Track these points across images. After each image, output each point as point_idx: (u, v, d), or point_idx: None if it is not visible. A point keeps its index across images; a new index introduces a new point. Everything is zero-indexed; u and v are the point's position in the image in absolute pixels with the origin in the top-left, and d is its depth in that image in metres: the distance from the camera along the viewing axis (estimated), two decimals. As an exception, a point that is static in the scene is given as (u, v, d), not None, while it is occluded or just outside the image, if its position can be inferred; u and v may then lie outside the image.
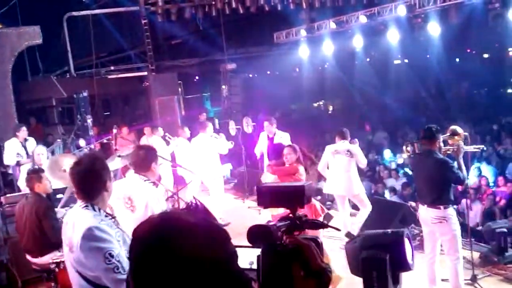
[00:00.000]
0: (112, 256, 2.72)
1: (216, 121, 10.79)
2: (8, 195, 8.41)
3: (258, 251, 1.45)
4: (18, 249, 6.18)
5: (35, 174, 5.91)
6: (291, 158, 6.57)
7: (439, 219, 5.73)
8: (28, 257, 5.70)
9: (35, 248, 5.57)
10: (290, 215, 1.56)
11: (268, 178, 6.88)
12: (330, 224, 1.85)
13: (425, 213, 5.90)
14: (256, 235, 1.39)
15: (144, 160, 4.25)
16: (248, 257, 1.44)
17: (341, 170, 8.24)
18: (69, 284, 5.14)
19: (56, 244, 5.40)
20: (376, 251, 4.43)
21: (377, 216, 7.84)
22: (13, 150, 9.90)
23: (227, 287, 1.21)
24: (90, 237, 2.75)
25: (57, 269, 5.28)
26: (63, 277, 5.21)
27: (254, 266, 1.64)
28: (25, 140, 10.12)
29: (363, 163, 8.46)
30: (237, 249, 1.54)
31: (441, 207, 5.72)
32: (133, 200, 4.08)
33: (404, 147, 6.81)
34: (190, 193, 10.60)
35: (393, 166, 14.07)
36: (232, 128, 12.03)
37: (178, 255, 1.17)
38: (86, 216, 2.88)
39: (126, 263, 2.75)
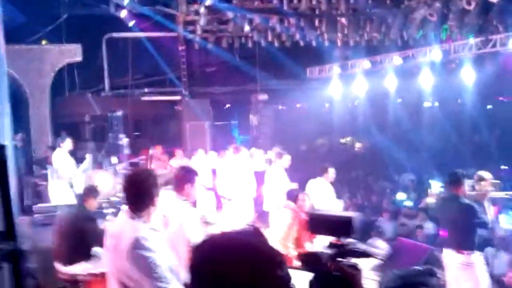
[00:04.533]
0: (157, 266, 2.85)
1: (244, 149, 10.96)
2: (40, 205, 8.64)
3: (309, 274, 1.53)
4: (46, 258, 6.33)
5: (95, 192, 6.17)
6: (305, 205, 6.66)
7: (464, 264, 5.72)
8: (58, 265, 5.84)
9: (67, 256, 5.73)
10: (337, 242, 1.64)
11: (282, 216, 6.83)
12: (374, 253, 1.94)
13: (449, 257, 5.89)
14: (307, 260, 1.48)
15: (178, 180, 4.41)
16: (299, 280, 1.52)
17: None
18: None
19: (86, 255, 5.56)
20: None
21: (401, 257, 7.81)
22: (66, 160, 9.91)
23: None
24: (138, 246, 2.89)
25: (84, 281, 5.42)
26: (89, 290, 5.35)
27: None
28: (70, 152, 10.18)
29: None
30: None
31: (465, 252, 5.71)
32: (167, 217, 4.21)
33: (429, 190, 6.85)
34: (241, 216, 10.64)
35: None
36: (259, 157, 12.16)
37: (234, 275, 1.21)
38: (135, 227, 3.03)
39: (168, 274, 2.93)
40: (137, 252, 2.89)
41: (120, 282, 2.97)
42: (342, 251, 1.63)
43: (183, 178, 4.41)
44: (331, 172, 8.68)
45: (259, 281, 1.23)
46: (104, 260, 3.22)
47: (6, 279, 1.96)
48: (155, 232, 3.15)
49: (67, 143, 10.11)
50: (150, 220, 3.19)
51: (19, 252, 2.21)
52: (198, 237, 4.32)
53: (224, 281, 1.21)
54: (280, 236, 6.47)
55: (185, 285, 1.31)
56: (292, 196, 6.94)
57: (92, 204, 6.06)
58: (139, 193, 3.13)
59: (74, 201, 6.66)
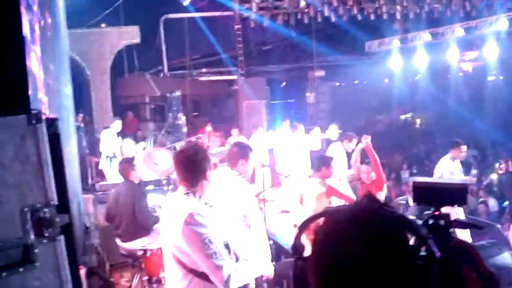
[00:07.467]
0: (211, 242, 2.84)
1: (302, 127, 10.84)
2: (102, 183, 8.92)
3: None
4: (108, 234, 6.53)
5: (129, 163, 6.25)
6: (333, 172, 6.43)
7: (532, 241, 5.49)
8: (118, 241, 6.01)
9: (126, 233, 5.87)
10: (436, 213, 1.52)
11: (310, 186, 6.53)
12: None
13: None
14: (434, 230, 1.38)
15: (233, 156, 4.38)
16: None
17: None
18: (153, 272, 5.43)
19: (145, 231, 5.69)
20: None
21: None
22: (108, 140, 10.45)
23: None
24: (191, 222, 2.87)
25: (143, 256, 5.55)
26: (149, 265, 5.48)
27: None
28: (118, 133, 10.63)
29: None
30: None
31: (534, 229, 5.47)
32: (222, 192, 4.19)
33: (497, 165, 6.58)
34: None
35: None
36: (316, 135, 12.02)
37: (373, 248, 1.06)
38: (188, 202, 3.02)
39: (223, 250, 2.92)
40: (191, 228, 2.86)
41: (175, 257, 2.99)
42: (449, 222, 1.51)
43: (237, 154, 4.35)
44: (463, 149, 8.07)
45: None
46: (161, 236, 3.25)
47: (61, 252, 1.99)
48: (210, 207, 3.13)
49: (116, 124, 10.47)
50: (204, 195, 3.19)
51: (72, 226, 2.23)
52: (253, 212, 4.30)
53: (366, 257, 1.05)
54: (311, 208, 6.15)
55: (298, 274, 1.11)
56: (322, 162, 6.50)
57: (135, 176, 6.13)
58: (190, 169, 3.13)
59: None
